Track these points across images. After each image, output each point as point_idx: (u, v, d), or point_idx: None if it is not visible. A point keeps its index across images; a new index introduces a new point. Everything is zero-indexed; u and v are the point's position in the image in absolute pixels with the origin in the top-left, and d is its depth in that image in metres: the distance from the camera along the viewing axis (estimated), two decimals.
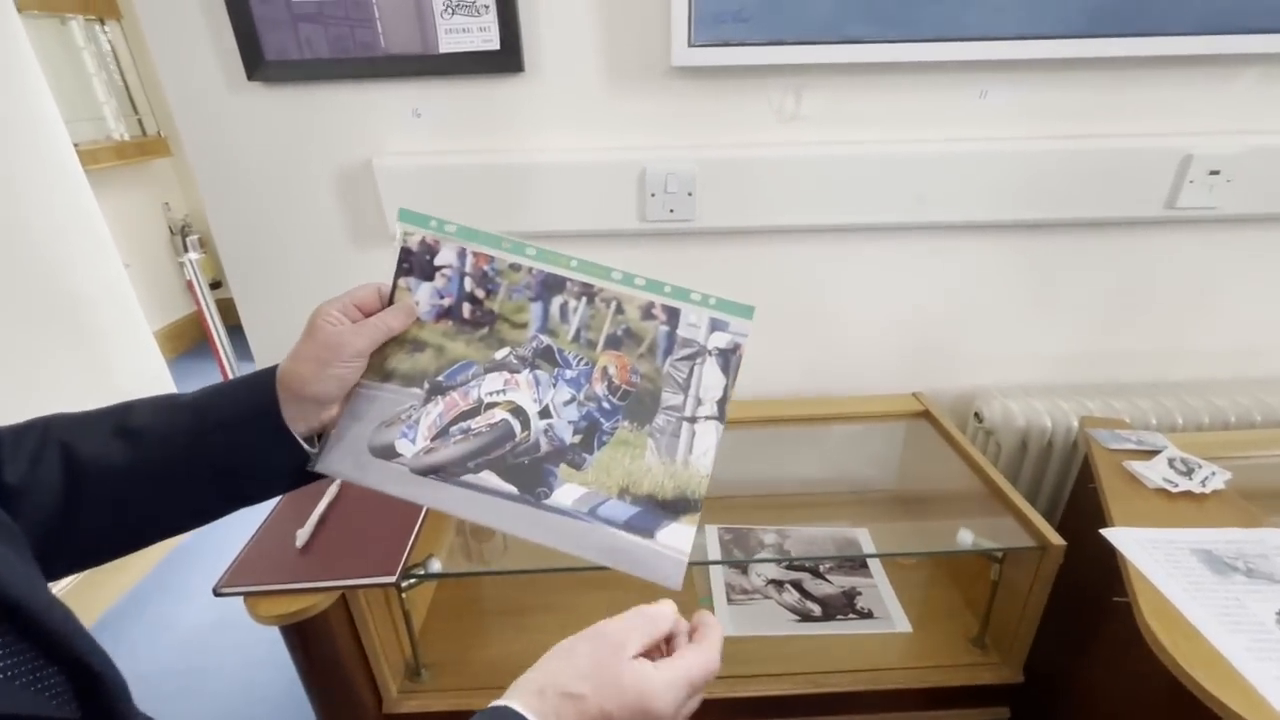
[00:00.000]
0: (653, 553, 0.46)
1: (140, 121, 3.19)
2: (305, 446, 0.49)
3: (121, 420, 0.47)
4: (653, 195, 0.98)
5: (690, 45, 0.89)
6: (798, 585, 1.02)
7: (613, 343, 0.50)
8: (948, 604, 0.99)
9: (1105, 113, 0.98)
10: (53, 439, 0.45)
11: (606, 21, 0.91)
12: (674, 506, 0.47)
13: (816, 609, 0.98)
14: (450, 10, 0.89)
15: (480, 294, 0.51)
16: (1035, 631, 0.84)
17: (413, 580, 0.81)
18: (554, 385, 0.50)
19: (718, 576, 1.04)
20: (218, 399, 0.49)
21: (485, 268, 0.51)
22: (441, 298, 0.51)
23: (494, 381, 0.50)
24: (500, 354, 0.50)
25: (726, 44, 0.89)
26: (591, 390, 0.49)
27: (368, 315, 0.50)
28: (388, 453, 0.49)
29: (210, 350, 2.28)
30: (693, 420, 0.49)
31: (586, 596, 1.02)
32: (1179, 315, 1.13)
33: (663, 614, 0.41)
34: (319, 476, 0.51)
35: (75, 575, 0.46)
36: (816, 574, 1.04)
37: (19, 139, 1.65)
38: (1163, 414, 1.07)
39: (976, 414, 1.13)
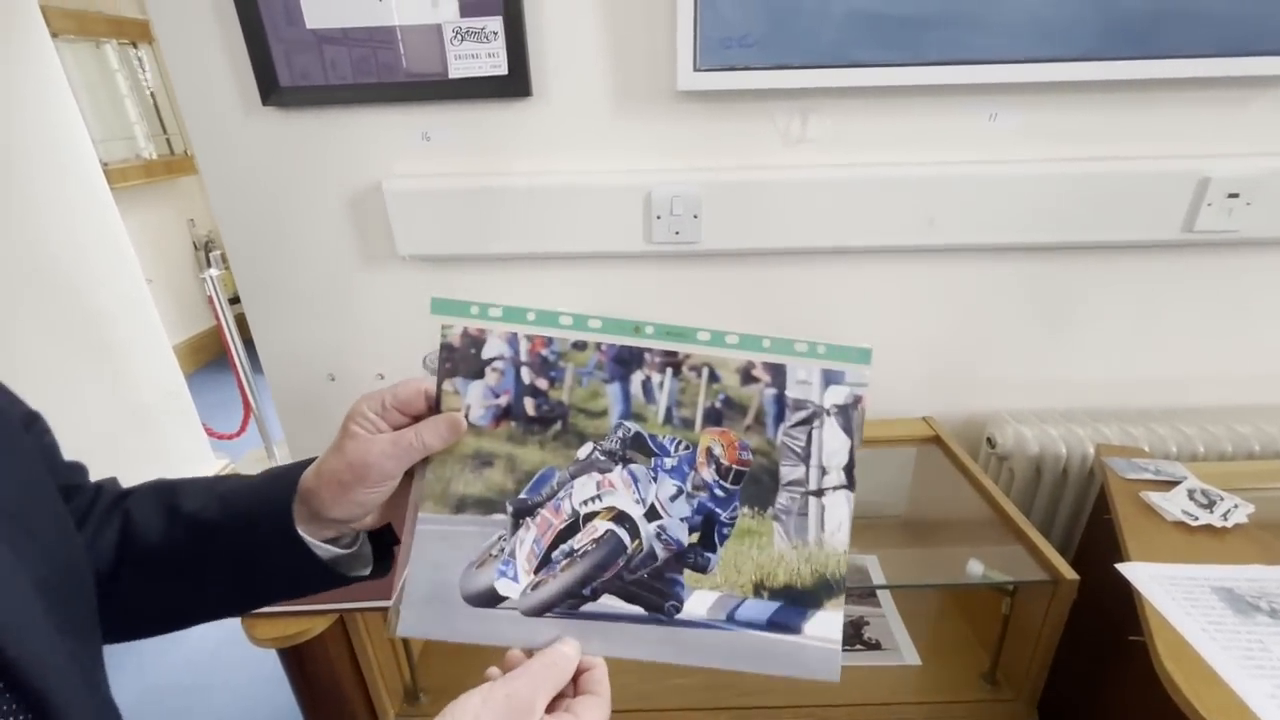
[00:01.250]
0: (802, 649, 0.41)
1: (169, 141, 3.28)
2: (324, 551, 0.44)
3: (172, 498, 0.46)
4: (658, 217, 0.98)
5: (696, 70, 0.89)
6: None
7: (712, 417, 0.43)
8: (959, 636, 0.97)
9: (1119, 135, 0.97)
10: (122, 506, 0.45)
11: (613, 46, 0.92)
12: (815, 594, 0.41)
13: None
14: (460, 37, 0.91)
15: (543, 384, 0.43)
16: (1049, 668, 0.81)
17: None
18: (654, 479, 0.43)
19: None
20: (245, 492, 0.46)
21: (543, 352, 0.43)
22: (497, 396, 0.43)
23: (585, 487, 0.43)
24: (583, 452, 0.43)
25: (731, 68, 0.89)
26: (699, 478, 0.43)
27: (412, 416, 0.43)
28: (489, 598, 0.42)
29: (229, 364, 2.32)
30: (819, 494, 0.43)
31: None
32: (1200, 339, 1.10)
33: (567, 659, 0.39)
34: (352, 580, 0.46)
35: None
36: None
37: (48, 160, 1.71)
38: (1183, 442, 1.04)
39: (989, 439, 1.10)
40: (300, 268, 1.07)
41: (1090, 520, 1.02)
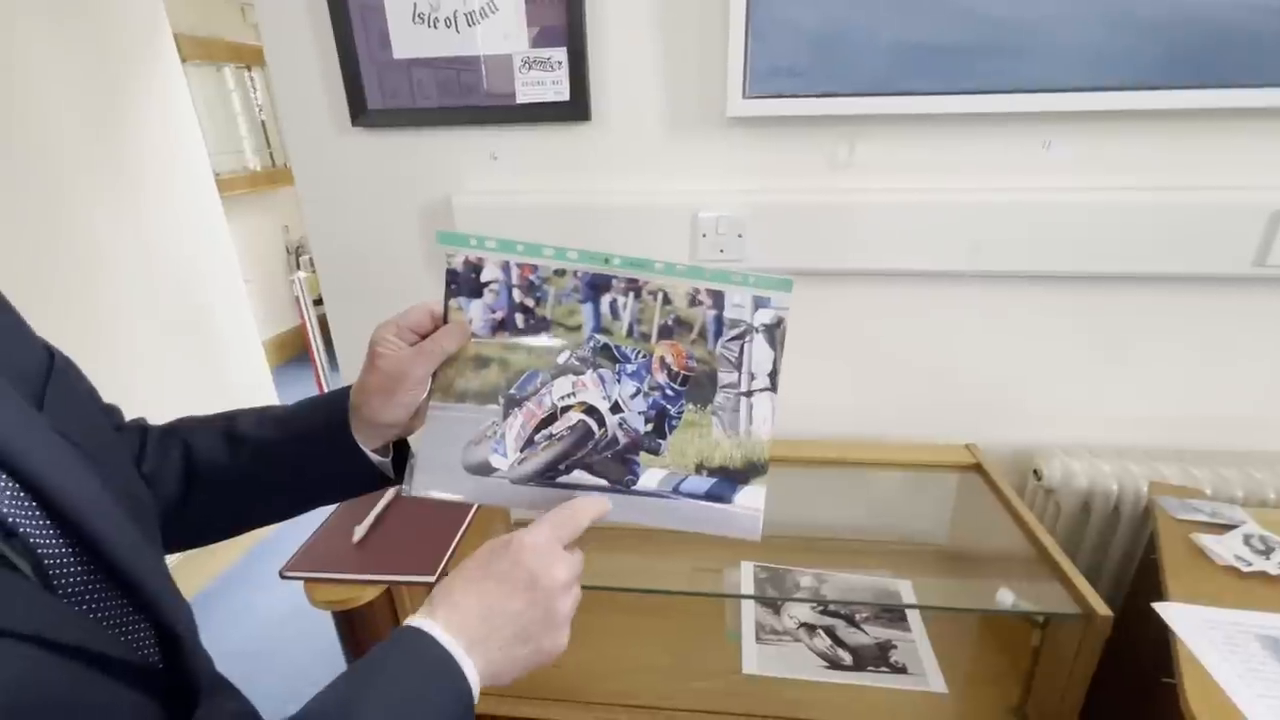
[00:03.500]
0: (732, 514, 0.51)
1: (271, 154, 3.59)
2: (374, 458, 0.54)
3: (229, 427, 0.55)
4: (704, 235, 1.02)
5: (745, 97, 0.94)
6: (830, 631, 1.00)
7: (665, 332, 0.52)
8: (990, 668, 0.94)
9: (1184, 165, 0.94)
10: (179, 438, 0.55)
11: (667, 75, 0.97)
12: (744, 473, 0.51)
13: (847, 658, 0.95)
14: (528, 66, 0.99)
15: (530, 303, 0.53)
16: (1080, 706, 0.79)
17: None
18: (618, 381, 0.52)
19: (749, 613, 1.04)
20: (300, 415, 0.55)
21: (531, 277, 0.52)
22: (493, 312, 0.52)
23: (563, 385, 0.52)
24: (561, 358, 0.53)
25: (779, 95, 0.93)
26: (654, 380, 0.52)
27: (422, 336, 0.52)
28: (484, 469, 0.51)
29: (310, 361, 2.51)
30: (749, 394, 0.52)
31: (619, 619, 1.04)
32: (1273, 379, 1.04)
33: (583, 510, 0.48)
34: (391, 482, 0.56)
35: (178, 555, 0.55)
36: (851, 622, 1.01)
37: (169, 171, 1.92)
38: (1252, 487, 0.98)
39: (1035, 471, 1.08)
40: (376, 273, 1.17)
41: (1141, 560, 0.98)
